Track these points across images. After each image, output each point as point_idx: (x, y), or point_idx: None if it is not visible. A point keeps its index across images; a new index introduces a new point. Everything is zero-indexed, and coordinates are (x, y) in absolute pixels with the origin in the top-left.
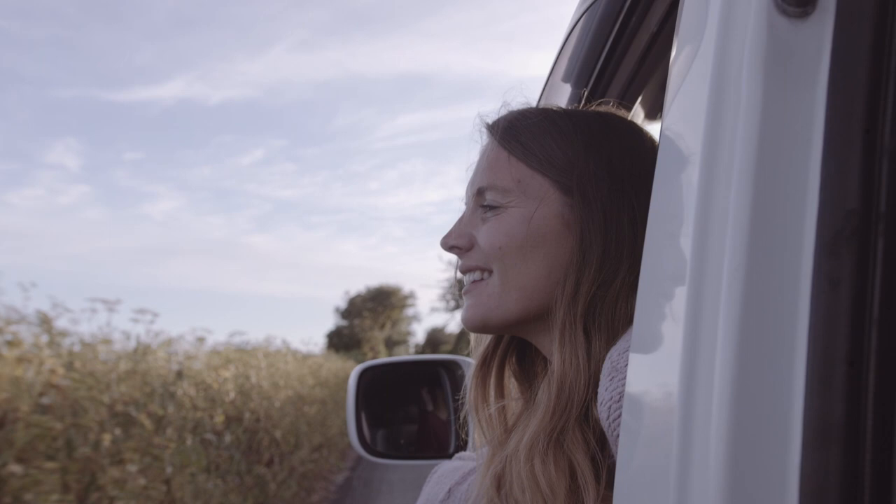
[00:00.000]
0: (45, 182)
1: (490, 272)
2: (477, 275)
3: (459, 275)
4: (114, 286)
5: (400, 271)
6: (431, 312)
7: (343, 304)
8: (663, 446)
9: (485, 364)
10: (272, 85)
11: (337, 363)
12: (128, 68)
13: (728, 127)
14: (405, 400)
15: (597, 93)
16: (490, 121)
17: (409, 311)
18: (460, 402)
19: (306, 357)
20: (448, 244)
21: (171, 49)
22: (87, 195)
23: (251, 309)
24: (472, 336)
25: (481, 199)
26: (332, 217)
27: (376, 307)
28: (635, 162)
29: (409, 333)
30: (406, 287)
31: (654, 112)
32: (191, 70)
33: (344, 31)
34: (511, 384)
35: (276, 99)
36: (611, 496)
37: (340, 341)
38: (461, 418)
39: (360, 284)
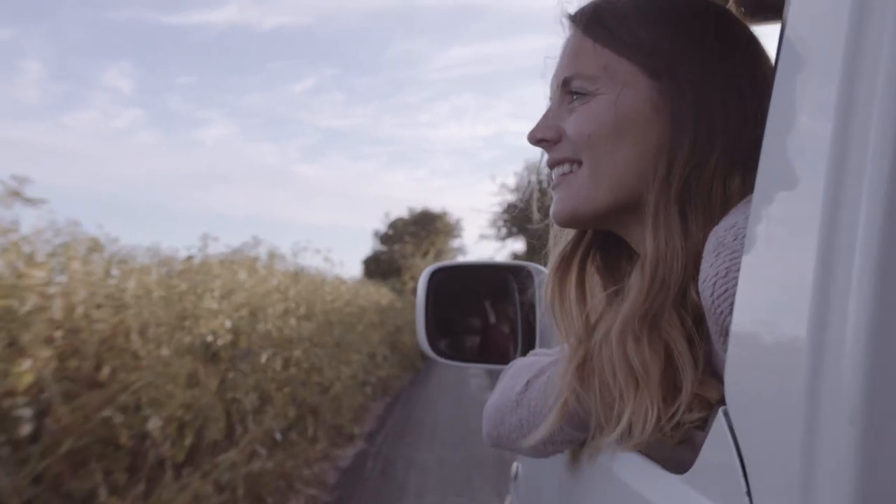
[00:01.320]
0: (99, 105)
1: (579, 163)
2: (566, 167)
3: (547, 170)
4: (163, 209)
5: (447, 204)
6: (479, 241)
7: (383, 228)
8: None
9: (565, 260)
10: (325, 11)
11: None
12: None
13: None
14: (472, 303)
15: None
16: (572, 11)
17: (455, 243)
18: (537, 303)
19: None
20: (536, 137)
21: None
22: (140, 119)
23: (299, 236)
24: (552, 233)
25: (567, 89)
26: (381, 148)
27: (419, 232)
28: (724, 44)
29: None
30: (453, 216)
31: (749, 1)
32: None
33: None
34: (593, 283)
35: (329, 26)
36: (707, 379)
37: (378, 268)
38: (532, 322)
39: (402, 209)
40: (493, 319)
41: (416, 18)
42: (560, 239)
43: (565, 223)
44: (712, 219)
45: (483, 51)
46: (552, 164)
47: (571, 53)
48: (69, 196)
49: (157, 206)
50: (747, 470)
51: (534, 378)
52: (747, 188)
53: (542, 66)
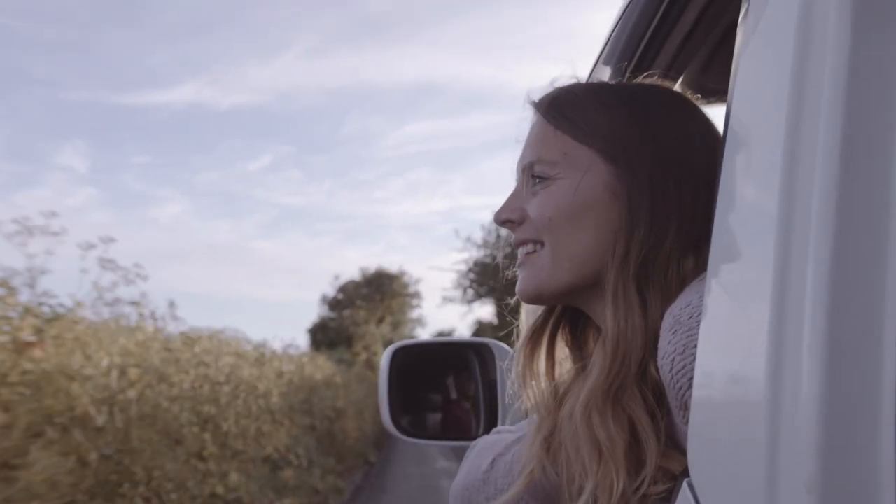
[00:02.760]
0: (52, 184)
1: (542, 244)
2: (530, 247)
3: (511, 251)
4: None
5: (404, 268)
6: (443, 305)
7: (332, 292)
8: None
9: (535, 335)
10: (282, 91)
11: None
12: (139, 71)
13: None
14: (435, 381)
15: (641, 68)
16: (536, 98)
17: (414, 314)
18: (499, 380)
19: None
20: (501, 218)
21: (182, 53)
22: (95, 197)
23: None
24: (523, 311)
25: (530, 173)
26: (337, 224)
27: (372, 294)
28: (679, 128)
29: (412, 338)
30: (411, 277)
31: (697, 85)
32: (201, 74)
33: (355, 38)
34: (563, 356)
35: (286, 105)
36: (670, 451)
37: (325, 337)
38: (494, 398)
39: (353, 271)
40: (454, 396)
41: (371, 96)
42: (531, 313)
43: (529, 300)
44: (668, 297)
45: (438, 127)
46: (517, 245)
47: (534, 139)
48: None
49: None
50: None
51: (499, 457)
52: (700, 268)
53: (497, 141)
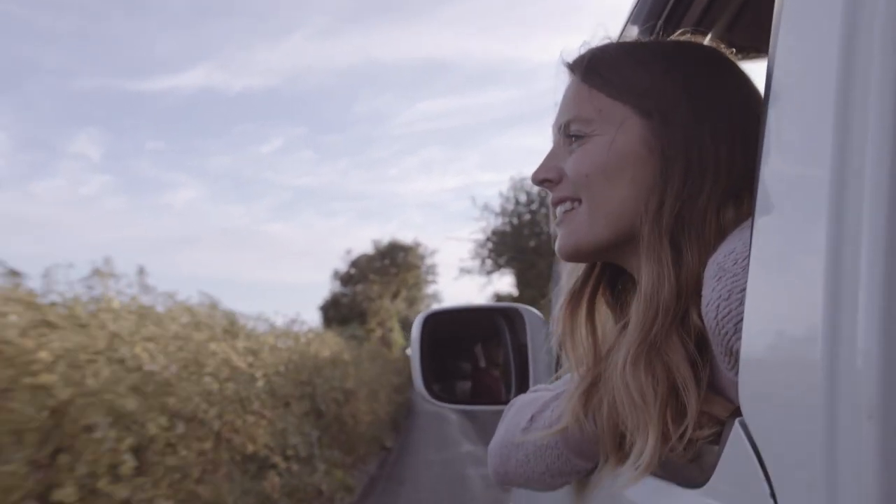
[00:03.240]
0: (67, 172)
1: (579, 201)
2: (567, 205)
3: (553, 209)
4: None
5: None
6: (459, 277)
7: (344, 267)
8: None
9: (575, 295)
10: (292, 72)
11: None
12: (149, 58)
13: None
14: (465, 347)
15: (670, 26)
16: (570, 60)
17: (429, 289)
18: (529, 343)
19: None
20: (539, 178)
21: (191, 38)
22: (109, 185)
23: (270, 297)
24: (565, 269)
25: (566, 133)
26: (351, 204)
27: (386, 268)
28: (713, 81)
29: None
30: (427, 248)
31: (726, 42)
32: (211, 59)
33: (363, 17)
34: (604, 316)
35: (296, 86)
36: (713, 397)
37: (338, 313)
38: (524, 362)
39: (366, 245)
40: (483, 364)
41: (381, 75)
42: (573, 272)
43: (569, 258)
44: (707, 248)
45: (449, 104)
46: (555, 203)
47: (569, 99)
48: (45, 265)
49: (129, 273)
50: (769, 473)
51: (538, 413)
52: (740, 217)
53: (508, 117)
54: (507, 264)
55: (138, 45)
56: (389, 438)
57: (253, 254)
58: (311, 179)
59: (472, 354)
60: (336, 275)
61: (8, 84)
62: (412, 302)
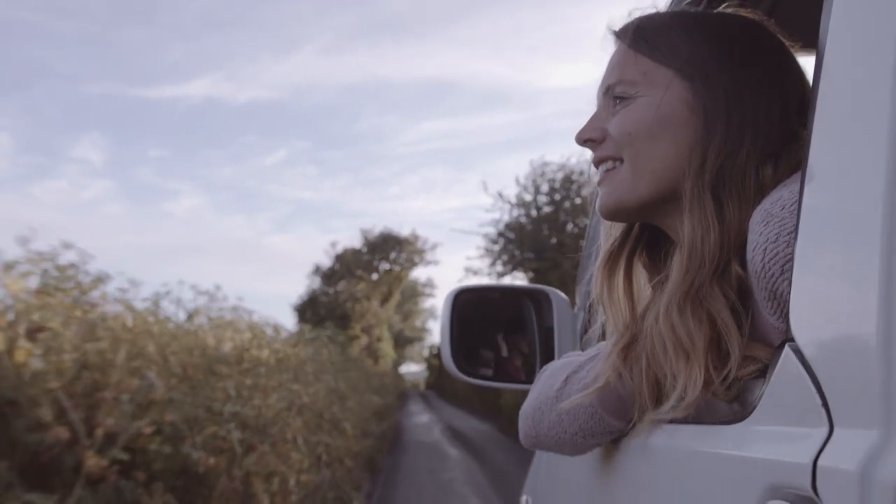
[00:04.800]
0: (69, 176)
1: (621, 161)
2: (609, 164)
3: (594, 168)
4: (134, 282)
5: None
6: (464, 277)
7: (328, 262)
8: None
9: (612, 256)
10: (298, 87)
11: None
12: (157, 66)
13: None
14: (492, 326)
15: (717, 2)
16: (617, 28)
17: (426, 303)
18: (555, 326)
19: None
20: (583, 137)
21: (200, 48)
22: (110, 190)
23: (268, 308)
24: (602, 229)
25: (610, 95)
26: (351, 221)
27: (377, 262)
28: (753, 49)
29: (424, 330)
30: (426, 242)
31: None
32: (218, 69)
33: (371, 35)
34: (641, 278)
35: (302, 101)
36: (754, 344)
37: (315, 314)
38: (550, 344)
39: (353, 235)
40: (511, 343)
41: (387, 93)
42: (610, 233)
43: (610, 216)
44: (748, 202)
45: (453, 125)
46: (597, 163)
47: (615, 64)
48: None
49: (127, 278)
50: (822, 386)
51: (572, 374)
52: (779, 176)
53: (512, 140)
54: (522, 265)
55: (147, 53)
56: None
57: (252, 264)
58: (313, 194)
59: (494, 343)
60: (317, 270)
61: (16, 86)
62: (406, 315)
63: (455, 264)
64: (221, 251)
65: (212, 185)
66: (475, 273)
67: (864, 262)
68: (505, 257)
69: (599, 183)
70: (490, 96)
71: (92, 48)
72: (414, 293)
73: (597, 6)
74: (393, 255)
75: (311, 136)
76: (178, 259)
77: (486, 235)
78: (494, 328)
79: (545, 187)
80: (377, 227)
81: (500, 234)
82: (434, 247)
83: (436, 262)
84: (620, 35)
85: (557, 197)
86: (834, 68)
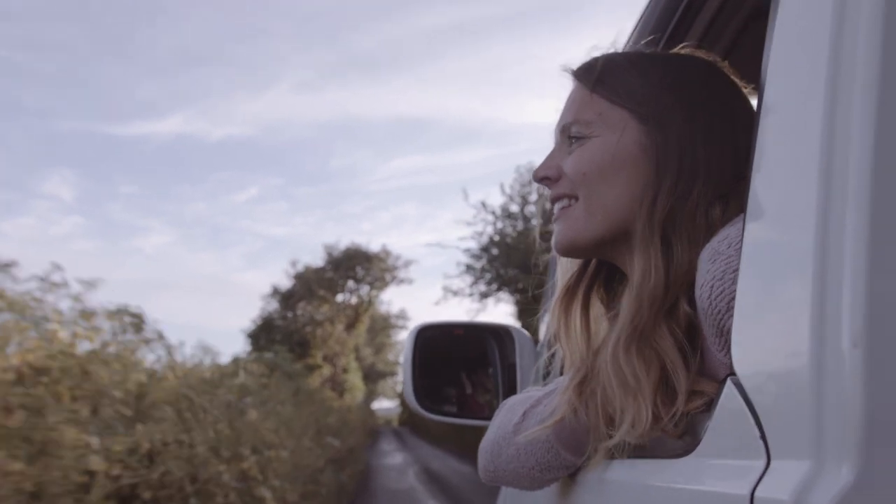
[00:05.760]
0: (38, 211)
1: (576, 198)
2: (565, 202)
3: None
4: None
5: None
6: (444, 299)
7: (287, 283)
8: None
9: (569, 291)
10: (271, 124)
11: None
12: (129, 102)
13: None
14: (456, 362)
15: (674, 42)
16: (575, 67)
17: (400, 336)
18: (518, 362)
19: None
20: (539, 175)
21: (172, 85)
22: (80, 226)
23: (238, 345)
24: (559, 266)
25: (567, 134)
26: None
27: (341, 280)
28: (707, 91)
29: (397, 364)
30: (397, 267)
31: (729, 55)
32: (192, 106)
33: (345, 73)
34: (599, 313)
35: (275, 137)
36: (702, 379)
37: (269, 340)
38: (513, 381)
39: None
40: (471, 381)
41: (359, 131)
42: (568, 269)
43: (565, 252)
44: (696, 244)
45: (426, 162)
46: (553, 200)
47: (572, 103)
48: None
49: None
50: (760, 418)
51: (530, 409)
52: (728, 216)
53: (484, 176)
54: (508, 284)
55: (119, 89)
56: None
57: (223, 299)
58: (284, 230)
59: (458, 380)
60: (275, 292)
61: None
62: (379, 349)
63: (430, 287)
64: (192, 287)
65: (183, 221)
66: (455, 293)
67: (797, 298)
68: (489, 275)
69: (555, 220)
70: (462, 133)
71: (63, 84)
72: (386, 325)
73: (570, 42)
74: (361, 273)
75: (284, 172)
76: (148, 295)
77: (467, 250)
78: (458, 365)
79: (534, 196)
80: (342, 241)
81: (484, 249)
82: (407, 264)
83: (409, 281)
84: (577, 75)
85: (548, 206)
86: (772, 109)
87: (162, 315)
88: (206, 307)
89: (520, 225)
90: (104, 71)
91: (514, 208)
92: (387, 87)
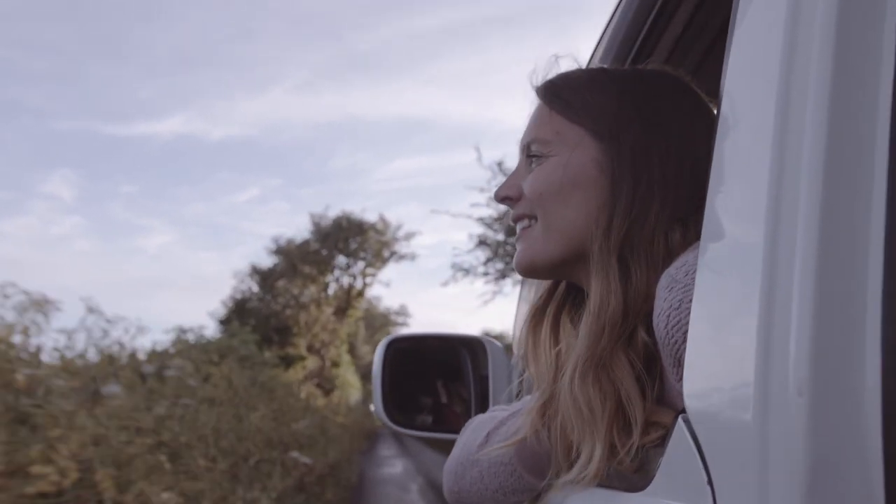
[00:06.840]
0: (38, 212)
1: (536, 219)
2: (525, 222)
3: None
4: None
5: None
6: (453, 280)
7: (267, 260)
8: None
9: (537, 311)
10: (271, 124)
11: None
12: (129, 103)
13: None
14: (427, 373)
15: (639, 60)
16: (536, 84)
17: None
18: (490, 374)
19: None
20: (500, 195)
21: (172, 86)
22: (80, 226)
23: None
24: (528, 284)
25: (527, 153)
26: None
27: (330, 254)
28: (668, 107)
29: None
30: (398, 239)
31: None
32: (191, 107)
33: (345, 74)
34: (568, 332)
35: (275, 138)
36: (661, 409)
37: (242, 325)
38: (485, 392)
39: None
40: (447, 390)
41: (359, 131)
42: (535, 291)
43: (525, 273)
44: (655, 269)
45: (426, 163)
46: (515, 220)
47: (532, 121)
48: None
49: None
50: (707, 462)
51: (494, 430)
52: (689, 240)
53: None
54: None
55: (119, 89)
56: None
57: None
58: (285, 231)
59: (433, 389)
60: (254, 271)
61: None
62: (376, 330)
63: (437, 270)
64: (193, 286)
65: (184, 221)
66: (466, 272)
67: (744, 341)
68: (501, 254)
69: (517, 240)
70: (462, 134)
71: (64, 84)
72: (386, 322)
73: (570, 44)
74: (353, 247)
75: (284, 173)
76: (149, 294)
77: (480, 220)
78: (433, 375)
79: None
80: (332, 210)
81: (498, 219)
82: (410, 236)
83: (412, 257)
84: (538, 92)
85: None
86: (728, 129)
87: (162, 315)
88: (207, 307)
89: None
90: (104, 71)
91: None
92: (387, 87)
